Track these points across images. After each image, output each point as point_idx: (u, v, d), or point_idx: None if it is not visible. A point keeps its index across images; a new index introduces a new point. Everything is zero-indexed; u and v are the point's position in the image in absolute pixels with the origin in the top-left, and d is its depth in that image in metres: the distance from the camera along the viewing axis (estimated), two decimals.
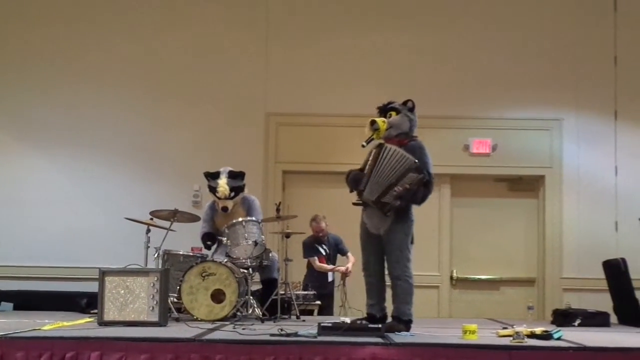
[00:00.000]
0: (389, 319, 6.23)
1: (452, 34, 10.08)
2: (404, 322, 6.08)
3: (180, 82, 9.98)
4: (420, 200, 6.17)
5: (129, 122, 9.95)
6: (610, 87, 9.94)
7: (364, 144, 6.25)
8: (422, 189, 6.09)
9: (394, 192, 6.02)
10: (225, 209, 7.83)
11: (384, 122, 6.24)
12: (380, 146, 6.21)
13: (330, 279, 9.06)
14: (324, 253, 9.03)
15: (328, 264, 9.02)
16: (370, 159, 6.22)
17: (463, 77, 10.02)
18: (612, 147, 9.94)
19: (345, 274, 8.95)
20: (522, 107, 10.03)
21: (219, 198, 7.79)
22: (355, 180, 6.26)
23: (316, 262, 8.94)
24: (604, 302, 8.54)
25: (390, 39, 10.06)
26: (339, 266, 9.03)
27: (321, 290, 8.75)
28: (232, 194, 7.79)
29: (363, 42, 10.06)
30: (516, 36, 10.08)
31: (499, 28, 10.09)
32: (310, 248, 8.97)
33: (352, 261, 8.89)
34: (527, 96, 10.02)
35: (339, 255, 9.19)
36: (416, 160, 6.04)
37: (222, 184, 7.76)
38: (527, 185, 10.19)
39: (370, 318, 6.23)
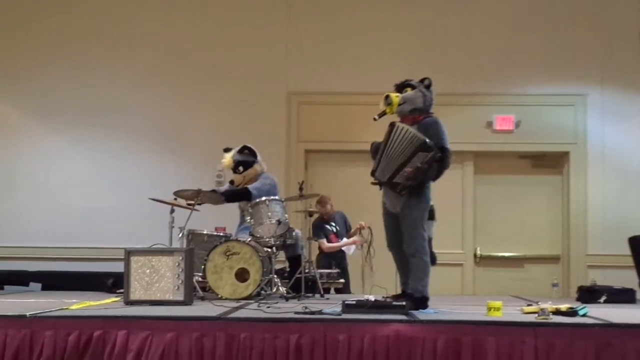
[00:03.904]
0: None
1: (475, 9, 10.01)
2: (416, 299, 6.04)
3: (201, 62, 10.00)
4: (435, 177, 6.13)
5: (151, 102, 9.98)
6: (636, 61, 9.82)
7: (376, 117, 6.26)
8: (435, 166, 6.03)
9: (404, 172, 5.99)
10: (232, 181, 8.00)
11: (397, 96, 6.23)
12: (391, 125, 6.17)
13: (350, 251, 9.04)
14: (334, 230, 9.03)
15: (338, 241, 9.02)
16: (383, 138, 6.21)
17: (486, 53, 9.96)
18: (637, 122, 9.86)
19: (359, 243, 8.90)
20: (545, 82, 9.96)
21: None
22: (375, 151, 6.27)
23: (324, 243, 8.90)
24: (629, 279, 8.48)
25: (412, 16, 10.01)
26: (350, 239, 8.96)
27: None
28: (240, 168, 7.88)
29: (385, 19, 10.01)
30: (540, 11, 9.98)
31: (522, 2, 10.01)
32: (318, 229, 8.94)
33: (358, 227, 8.95)
34: (551, 71, 9.94)
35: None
36: (426, 139, 5.96)
37: (227, 156, 7.97)
38: (551, 162, 10.14)
39: (404, 295, 6.22)
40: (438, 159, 6.02)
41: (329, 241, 8.93)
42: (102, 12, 10.10)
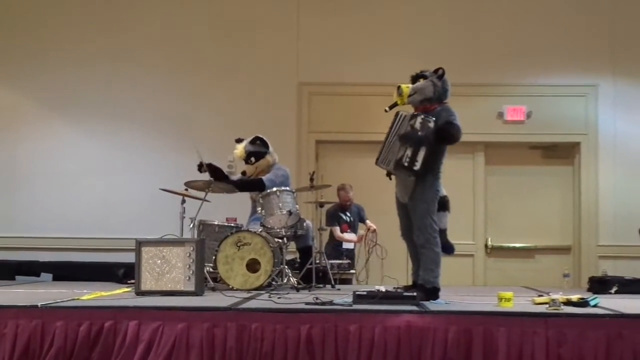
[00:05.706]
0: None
1: (485, 1, 9.97)
2: (427, 290, 6.01)
3: (213, 53, 10.00)
4: (442, 139, 5.99)
5: (163, 94, 9.99)
6: None
7: (387, 109, 6.22)
8: (431, 129, 5.89)
9: (406, 154, 5.89)
10: (244, 172, 8.03)
11: (407, 87, 6.20)
12: (396, 114, 6.19)
13: (352, 246, 9.10)
14: (348, 220, 9.07)
15: (350, 232, 9.06)
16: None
17: (496, 44, 9.93)
18: None
19: (361, 240, 9.03)
20: (556, 73, 9.93)
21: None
22: None
23: (337, 232, 8.97)
24: None
25: (422, 7, 9.99)
26: (355, 235, 9.05)
27: (338, 260, 8.72)
28: (252, 159, 7.87)
29: (396, 9, 9.99)
30: (551, 1, 9.94)
31: None
32: (333, 217, 9.01)
33: (369, 228, 9.04)
34: (562, 62, 9.92)
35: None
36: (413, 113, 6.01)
37: (239, 147, 7.95)
38: (562, 153, 10.11)
39: (415, 286, 6.20)
40: (446, 123, 5.96)
41: (342, 231, 8.96)
42: (116, 8, 10.11)
